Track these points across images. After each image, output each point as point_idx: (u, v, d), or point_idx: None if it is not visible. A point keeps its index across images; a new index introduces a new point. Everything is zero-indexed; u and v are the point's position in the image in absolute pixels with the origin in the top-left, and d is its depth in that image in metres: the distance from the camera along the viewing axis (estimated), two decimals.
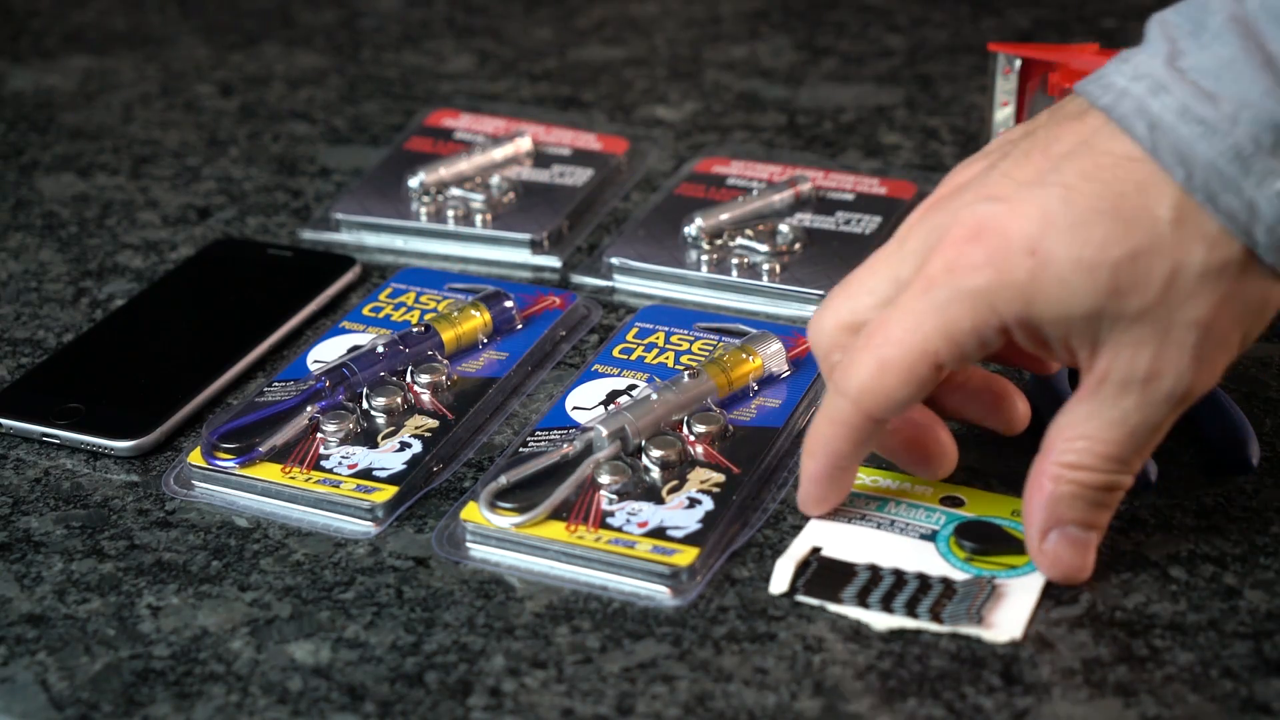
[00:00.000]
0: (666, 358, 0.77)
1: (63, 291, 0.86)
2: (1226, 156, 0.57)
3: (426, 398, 0.75)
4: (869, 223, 0.87)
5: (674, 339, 0.78)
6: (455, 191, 0.91)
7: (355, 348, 0.77)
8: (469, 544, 0.67)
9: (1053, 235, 0.58)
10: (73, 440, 0.73)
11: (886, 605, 0.63)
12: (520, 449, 0.71)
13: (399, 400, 0.74)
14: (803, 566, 0.65)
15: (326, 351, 0.78)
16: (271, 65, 1.10)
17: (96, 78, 1.09)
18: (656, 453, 0.69)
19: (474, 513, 0.67)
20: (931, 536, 0.66)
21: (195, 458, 0.71)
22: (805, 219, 0.88)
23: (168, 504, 0.70)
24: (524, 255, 0.88)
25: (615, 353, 0.77)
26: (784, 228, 0.86)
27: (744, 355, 0.74)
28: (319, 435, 0.72)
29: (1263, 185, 0.57)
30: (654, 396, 0.71)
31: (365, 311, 0.81)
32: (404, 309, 0.81)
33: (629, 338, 0.78)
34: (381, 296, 0.82)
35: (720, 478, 0.69)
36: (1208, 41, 0.58)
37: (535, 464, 0.69)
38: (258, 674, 0.62)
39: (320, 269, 0.85)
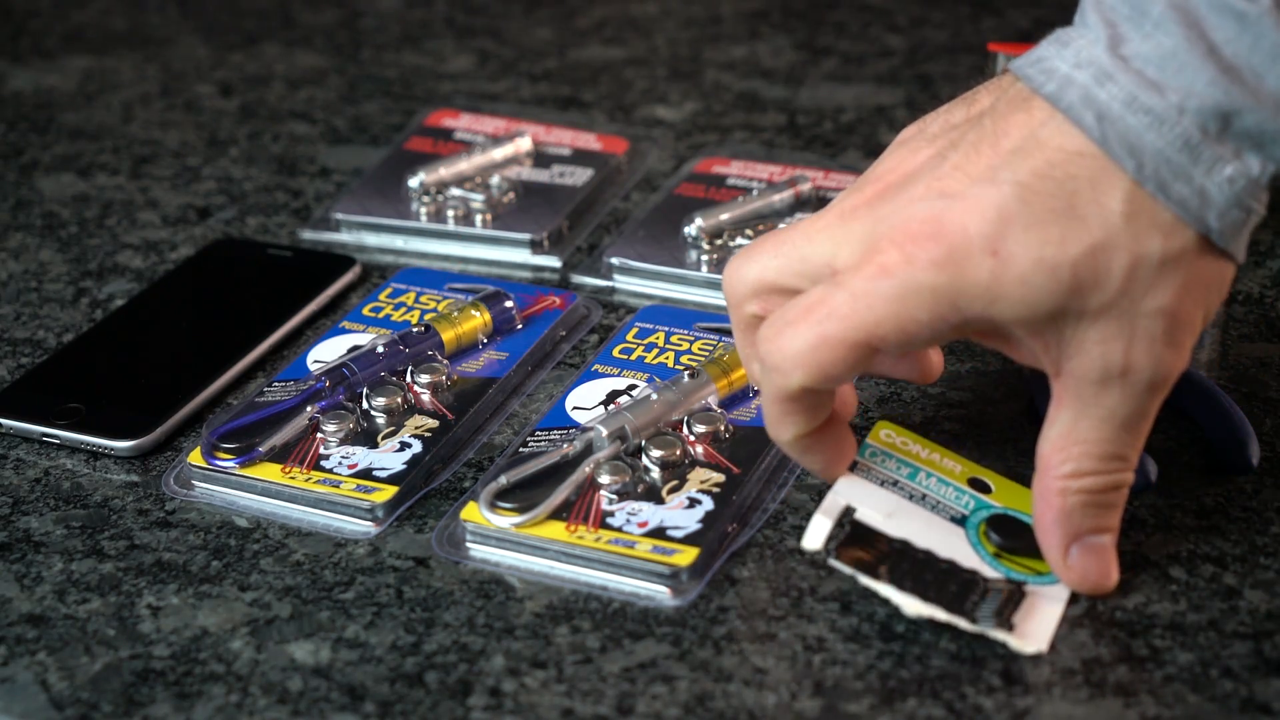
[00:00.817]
0: (666, 358, 0.77)
1: (63, 291, 0.86)
2: (1175, 146, 0.58)
3: (426, 398, 0.75)
4: None
5: (674, 339, 0.78)
6: (455, 191, 0.91)
7: (355, 348, 0.77)
8: (469, 544, 0.67)
9: (1012, 235, 0.58)
10: (73, 440, 0.73)
11: (920, 591, 0.62)
12: (520, 449, 0.71)
13: (399, 400, 0.74)
14: (836, 527, 0.63)
15: (326, 351, 0.78)
16: (271, 65, 1.10)
17: (96, 78, 1.09)
18: (656, 453, 0.69)
19: (474, 513, 0.67)
20: (961, 521, 0.65)
21: (195, 458, 0.71)
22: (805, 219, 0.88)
23: (168, 504, 0.70)
24: (524, 255, 0.88)
25: (615, 353, 0.77)
26: (784, 228, 0.86)
27: None
28: (319, 435, 0.72)
29: (1212, 172, 0.58)
30: (654, 396, 0.71)
31: (365, 311, 0.81)
32: (404, 309, 0.81)
33: (629, 338, 0.78)
34: (381, 296, 0.82)
35: (720, 478, 0.69)
36: (1150, 30, 0.58)
37: (535, 464, 0.69)
38: (258, 674, 0.62)
39: (320, 269, 0.85)
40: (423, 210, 0.90)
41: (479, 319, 0.79)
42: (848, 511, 0.64)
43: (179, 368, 0.78)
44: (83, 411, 0.74)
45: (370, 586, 0.65)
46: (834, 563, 0.62)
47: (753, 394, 0.74)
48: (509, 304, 0.80)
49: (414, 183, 0.91)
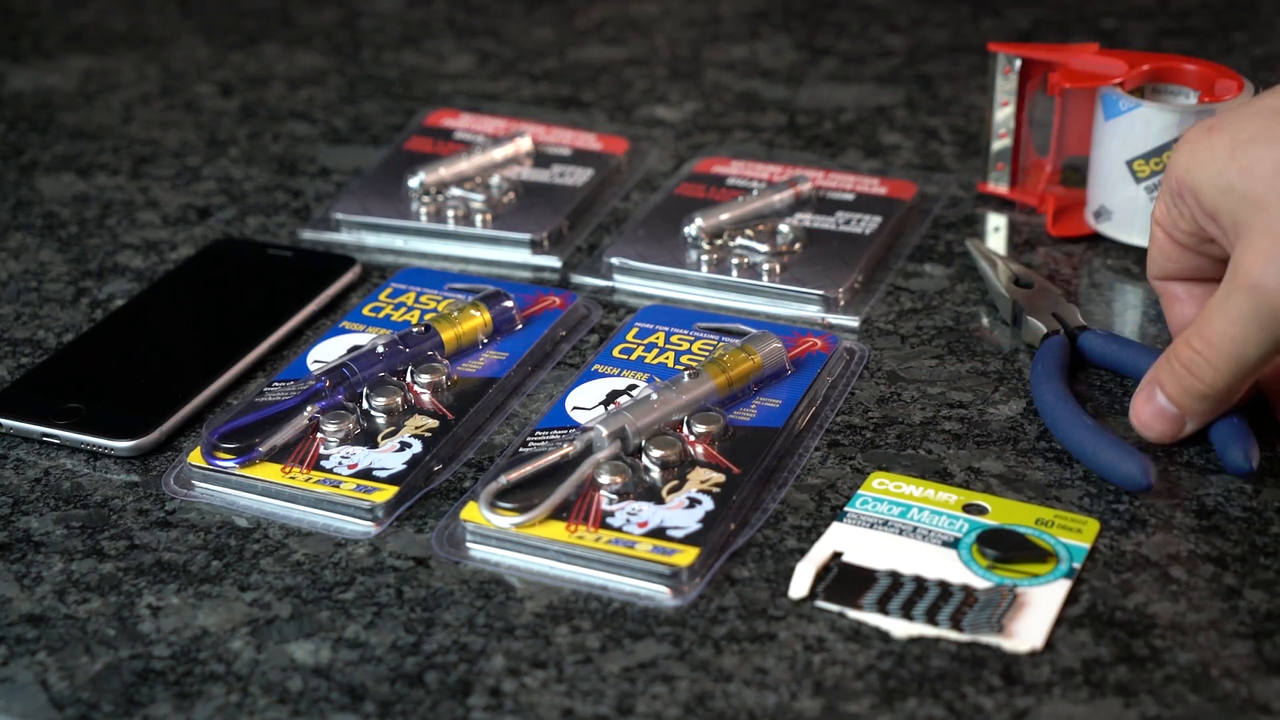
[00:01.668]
0: (666, 358, 0.77)
1: (63, 291, 0.86)
2: None
3: (426, 398, 0.75)
4: (869, 223, 0.87)
5: (674, 339, 0.78)
6: (455, 191, 0.91)
7: (355, 348, 0.77)
8: (469, 544, 0.67)
9: None
10: (73, 440, 0.73)
11: (906, 612, 0.62)
12: (520, 449, 0.71)
13: (399, 400, 0.74)
14: (823, 571, 0.65)
15: (326, 351, 0.78)
16: (271, 65, 1.10)
17: (96, 78, 1.09)
18: (656, 453, 0.69)
19: (474, 513, 0.67)
20: (954, 544, 0.66)
21: (195, 458, 0.71)
22: (805, 219, 0.88)
23: (168, 504, 0.70)
24: (524, 255, 0.88)
25: (615, 353, 0.77)
26: (784, 228, 0.86)
27: (744, 355, 0.74)
28: (319, 435, 0.72)
29: None
30: (654, 396, 0.71)
31: (365, 311, 0.81)
32: (404, 309, 0.81)
33: (629, 338, 0.78)
34: (381, 296, 0.82)
35: (720, 478, 0.69)
36: None
37: (535, 464, 0.69)
38: (258, 674, 0.62)
39: (320, 269, 0.85)
40: (423, 210, 0.90)
41: (479, 319, 0.79)
42: (835, 556, 0.65)
43: (179, 368, 0.78)
44: (83, 411, 0.74)
45: (370, 586, 0.65)
46: (820, 604, 0.63)
47: (753, 394, 0.74)
48: (509, 304, 0.80)
49: (414, 183, 0.91)
